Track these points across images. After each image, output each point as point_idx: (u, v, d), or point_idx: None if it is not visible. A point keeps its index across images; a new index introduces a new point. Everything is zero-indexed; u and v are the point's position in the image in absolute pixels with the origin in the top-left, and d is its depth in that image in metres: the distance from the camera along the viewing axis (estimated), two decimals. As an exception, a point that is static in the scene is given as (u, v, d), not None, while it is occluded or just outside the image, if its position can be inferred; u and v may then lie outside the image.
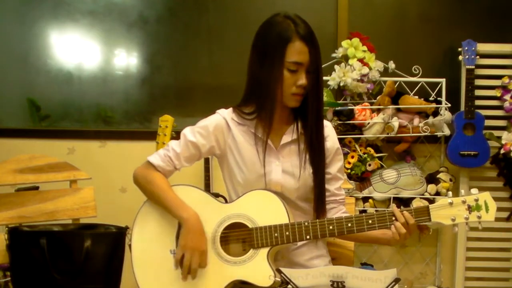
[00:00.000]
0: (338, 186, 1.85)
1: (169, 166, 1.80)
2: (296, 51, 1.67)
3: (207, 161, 2.87)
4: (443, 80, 3.06)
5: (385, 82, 3.01)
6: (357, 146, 3.01)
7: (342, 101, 3.03)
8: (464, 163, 3.03)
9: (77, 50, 3.28)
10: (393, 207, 1.66)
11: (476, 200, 1.62)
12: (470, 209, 1.62)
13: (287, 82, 1.70)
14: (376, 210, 2.94)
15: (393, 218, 1.65)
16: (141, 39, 3.30)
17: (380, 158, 3.04)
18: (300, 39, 1.67)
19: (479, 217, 1.62)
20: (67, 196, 2.15)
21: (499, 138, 3.04)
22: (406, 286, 3.01)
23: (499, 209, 1.69)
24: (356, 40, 2.98)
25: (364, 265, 3.05)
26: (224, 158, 1.83)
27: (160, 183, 1.77)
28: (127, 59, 3.34)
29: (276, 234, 1.67)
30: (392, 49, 3.24)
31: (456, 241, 3.13)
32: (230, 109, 1.84)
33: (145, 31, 3.29)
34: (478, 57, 3.03)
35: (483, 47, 3.06)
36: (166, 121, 2.59)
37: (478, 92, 3.05)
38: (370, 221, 1.66)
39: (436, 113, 2.99)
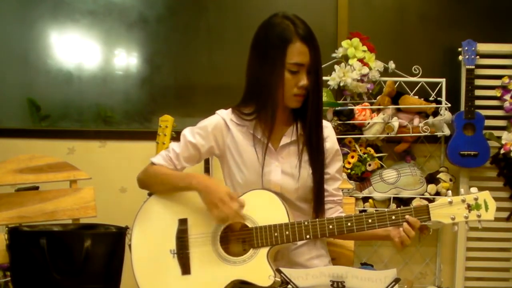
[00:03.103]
0: (336, 186, 1.85)
1: (170, 166, 1.81)
2: (297, 52, 1.68)
3: (207, 162, 2.87)
4: (443, 80, 3.06)
5: (385, 82, 3.01)
6: (357, 146, 3.01)
7: (342, 101, 3.03)
8: (464, 163, 3.03)
9: (77, 50, 3.28)
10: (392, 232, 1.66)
11: (476, 199, 1.62)
12: (469, 208, 1.62)
13: (288, 84, 1.70)
14: (376, 210, 2.94)
15: (393, 217, 1.65)
16: (141, 39, 3.30)
17: (380, 158, 3.04)
18: (300, 40, 1.67)
19: (479, 216, 1.62)
20: (67, 196, 2.15)
21: (499, 138, 3.03)
22: (406, 286, 3.00)
23: (499, 209, 1.70)
24: (356, 40, 2.98)
25: (364, 265, 3.05)
26: (224, 158, 1.84)
27: (163, 170, 1.79)
28: (127, 59, 3.34)
29: (276, 234, 1.67)
30: (392, 49, 3.24)
31: (456, 241, 3.13)
32: (229, 110, 1.84)
33: (145, 31, 3.29)
34: (478, 57, 3.03)
35: (483, 47, 3.06)
36: (166, 121, 2.59)
37: (478, 92, 3.05)
38: (369, 220, 1.65)
39: (436, 113, 2.99)
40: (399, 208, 1.67)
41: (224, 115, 1.83)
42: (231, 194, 1.66)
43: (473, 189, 1.65)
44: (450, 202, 1.63)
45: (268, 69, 1.70)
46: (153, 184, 1.81)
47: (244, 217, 1.69)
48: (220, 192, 1.65)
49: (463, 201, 1.63)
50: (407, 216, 1.64)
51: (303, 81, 1.70)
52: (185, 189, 1.73)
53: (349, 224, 1.66)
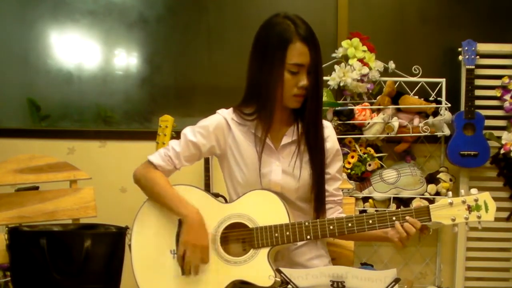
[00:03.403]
0: (336, 186, 1.85)
1: (169, 165, 1.80)
2: (297, 53, 1.67)
3: (207, 161, 2.87)
4: (443, 80, 3.06)
5: (385, 82, 3.01)
6: (357, 146, 3.01)
7: (342, 101, 3.03)
8: (464, 163, 3.03)
9: (77, 50, 3.28)
10: (396, 225, 1.66)
11: (476, 200, 1.62)
12: (470, 209, 1.62)
13: (288, 84, 1.70)
14: (376, 210, 2.94)
15: (394, 218, 1.65)
16: (141, 39, 3.30)
17: (380, 158, 3.04)
18: (300, 40, 1.67)
19: (479, 217, 1.62)
20: (67, 196, 2.15)
21: (499, 138, 3.03)
22: (406, 286, 3.00)
23: (499, 209, 1.70)
24: (356, 40, 2.98)
25: (364, 265, 3.05)
26: (225, 158, 1.83)
27: (160, 181, 1.77)
28: (127, 59, 3.33)
29: (276, 234, 1.67)
30: (392, 49, 3.24)
31: (456, 241, 3.13)
32: (231, 109, 1.84)
33: (145, 31, 3.29)
34: (478, 57, 3.03)
35: (483, 47, 3.06)
36: (166, 121, 2.59)
37: (478, 92, 3.05)
38: (370, 221, 1.66)
39: (436, 113, 2.99)
40: (399, 209, 1.67)
41: (225, 115, 1.83)
42: (204, 249, 1.68)
43: (473, 190, 1.65)
44: (451, 203, 1.63)
45: (268, 69, 1.70)
46: (148, 189, 1.79)
47: (244, 218, 1.70)
48: (198, 239, 1.68)
49: (464, 202, 1.63)
50: (407, 217, 1.64)
51: (303, 81, 1.69)
52: (174, 212, 1.73)
53: (349, 224, 1.66)
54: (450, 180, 3.02)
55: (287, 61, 1.67)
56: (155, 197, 1.78)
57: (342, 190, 1.92)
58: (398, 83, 3.04)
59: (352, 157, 2.98)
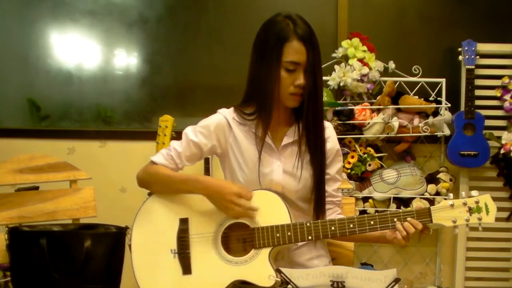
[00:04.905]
0: (335, 187, 1.85)
1: (172, 164, 1.80)
2: (294, 51, 1.67)
3: (207, 161, 2.87)
4: (443, 80, 3.06)
5: (385, 82, 3.01)
6: (357, 146, 3.01)
7: (342, 101, 3.03)
8: (464, 163, 3.03)
9: (77, 50, 3.27)
10: (396, 224, 1.66)
11: (477, 202, 1.63)
12: (470, 211, 1.63)
13: (284, 82, 1.70)
14: (376, 210, 2.94)
15: (395, 219, 1.65)
16: (141, 39, 3.30)
17: (380, 158, 3.04)
18: (297, 39, 1.67)
19: (480, 219, 1.63)
20: (67, 196, 2.15)
21: (499, 138, 3.04)
22: (406, 286, 3.00)
23: (499, 209, 1.70)
24: (356, 40, 2.98)
25: (364, 265, 3.05)
26: (226, 157, 1.84)
27: (164, 170, 1.78)
28: (127, 59, 3.33)
29: (278, 235, 1.66)
30: (392, 49, 3.24)
31: (456, 241, 3.13)
32: (231, 109, 1.84)
33: (145, 31, 3.29)
34: (478, 57, 3.03)
35: (483, 47, 3.07)
36: (166, 121, 2.59)
37: (478, 92, 3.05)
38: (372, 222, 1.66)
39: (436, 113, 2.99)
40: (401, 211, 1.67)
41: (226, 114, 1.83)
42: (238, 192, 1.67)
43: (474, 192, 1.65)
44: (452, 205, 1.63)
45: (265, 67, 1.70)
46: (154, 183, 1.80)
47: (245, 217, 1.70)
48: (227, 194, 1.67)
49: (464, 204, 1.63)
50: (409, 219, 1.64)
51: (299, 80, 1.69)
52: (189, 192, 1.74)
53: (351, 225, 1.66)
54: (450, 180, 3.02)
55: (283, 58, 1.68)
56: (164, 185, 1.77)
57: (342, 190, 1.92)
58: (398, 83, 3.04)
59: (352, 157, 2.98)
